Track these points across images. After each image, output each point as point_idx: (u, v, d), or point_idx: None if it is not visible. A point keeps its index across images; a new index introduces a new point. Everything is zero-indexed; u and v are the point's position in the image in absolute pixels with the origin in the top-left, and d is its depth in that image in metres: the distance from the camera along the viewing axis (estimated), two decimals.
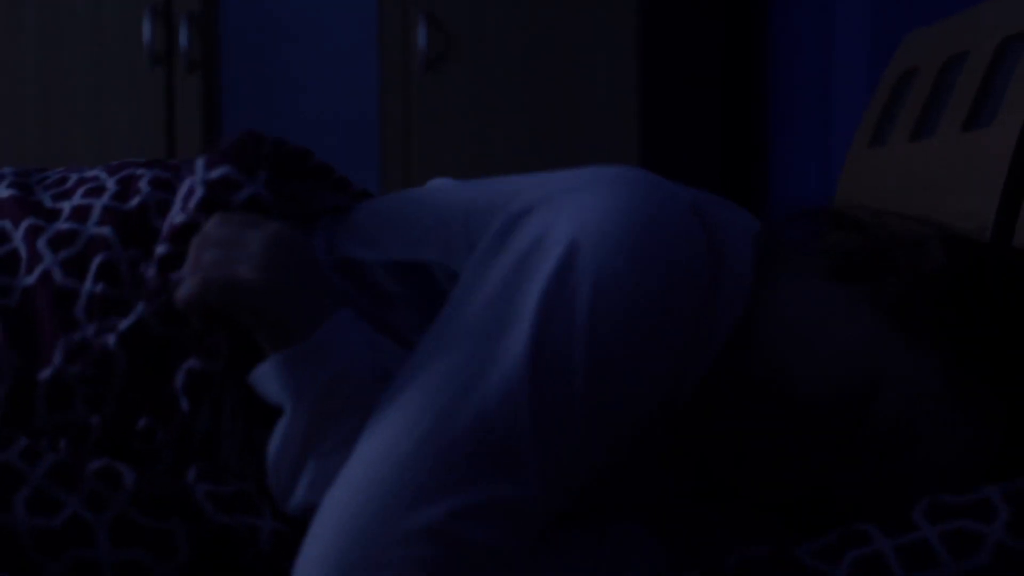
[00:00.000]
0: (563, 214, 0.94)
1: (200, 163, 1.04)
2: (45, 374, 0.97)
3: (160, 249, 1.00)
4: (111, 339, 0.98)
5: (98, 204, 1.03)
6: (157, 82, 3.40)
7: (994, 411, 0.96)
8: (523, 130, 3.33)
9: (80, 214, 1.03)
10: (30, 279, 1.00)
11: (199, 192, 1.02)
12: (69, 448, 0.96)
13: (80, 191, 1.05)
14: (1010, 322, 0.98)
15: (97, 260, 1.00)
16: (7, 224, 1.03)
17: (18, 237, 1.02)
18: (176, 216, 1.01)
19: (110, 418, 0.97)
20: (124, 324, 0.98)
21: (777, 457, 0.97)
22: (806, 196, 2.72)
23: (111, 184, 1.05)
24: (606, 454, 0.93)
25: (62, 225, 1.02)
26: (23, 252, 1.01)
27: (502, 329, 0.90)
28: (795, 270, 1.00)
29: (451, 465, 0.86)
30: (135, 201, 1.04)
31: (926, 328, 0.97)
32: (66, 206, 1.04)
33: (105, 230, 1.02)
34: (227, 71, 3.64)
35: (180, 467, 0.98)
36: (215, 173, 1.03)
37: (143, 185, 1.05)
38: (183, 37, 3.36)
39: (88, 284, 0.99)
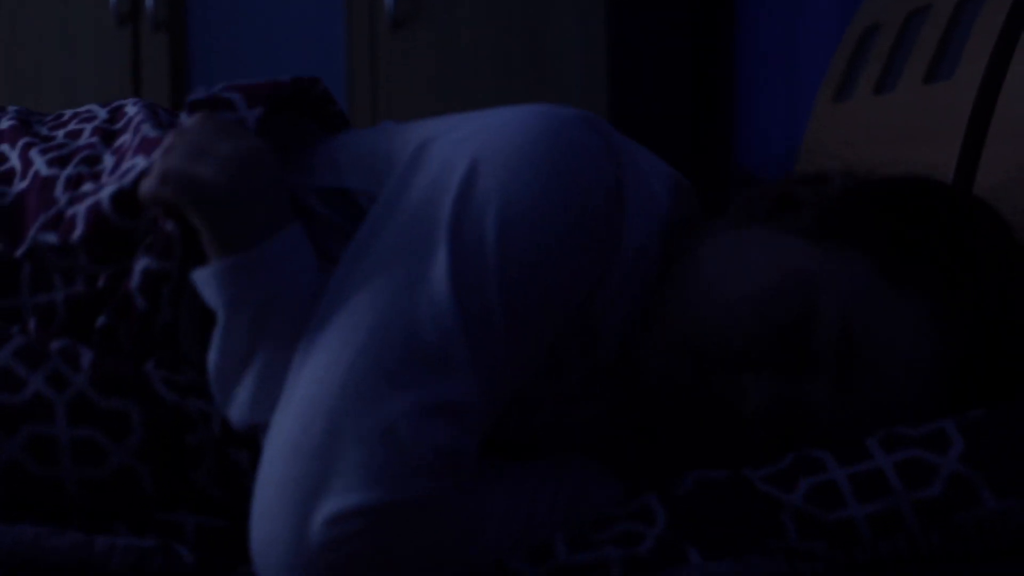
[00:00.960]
0: (471, 138, 0.97)
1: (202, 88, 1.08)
2: (22, 249, 1.02)
3: (125, 139, 1.05)
4: (79, 209, 1.01)
5: (88, 127, 1.10)
6: (123, 41, 3.38)
7: (931, 296, 0.98)
8: (490, 90, 3.33)
9: (72, 135, 1.10)
10: (23, 184, 1.05)
11: (186, 107, 1.06)
12: (38, 329, 0.99)
13: (74, 120, 1.12)
14: (924, 217, 1.01)
15: (81, 155, 1.06)
16: (6, 147, 1.09)
17: (15, 155, 1.08)
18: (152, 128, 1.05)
19: (75, 302, 1.00)
20: (89, 201, 1.01)
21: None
22: (772, 151, 2.74)
23: (102, 113, 1.12)
24: (532, 359, 0.95)
25: (55, 143, 1.09)
26: (18, 166, 1.07)
27: (422, 246, 0.92)
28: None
29: (391, 372, 0.88)
30: (122, 122, 1.09)
31: (846, 235, 1.00)
32: (60, 132, 1.11)
33: (93, 139, 1.08)
34: (193, 30, 3.63)
35: (139, 358, 1.00)
36: (211, 91, 1.06)
37: (131, 109, 1.10)
38: None
39: (69, 169, 1.05)
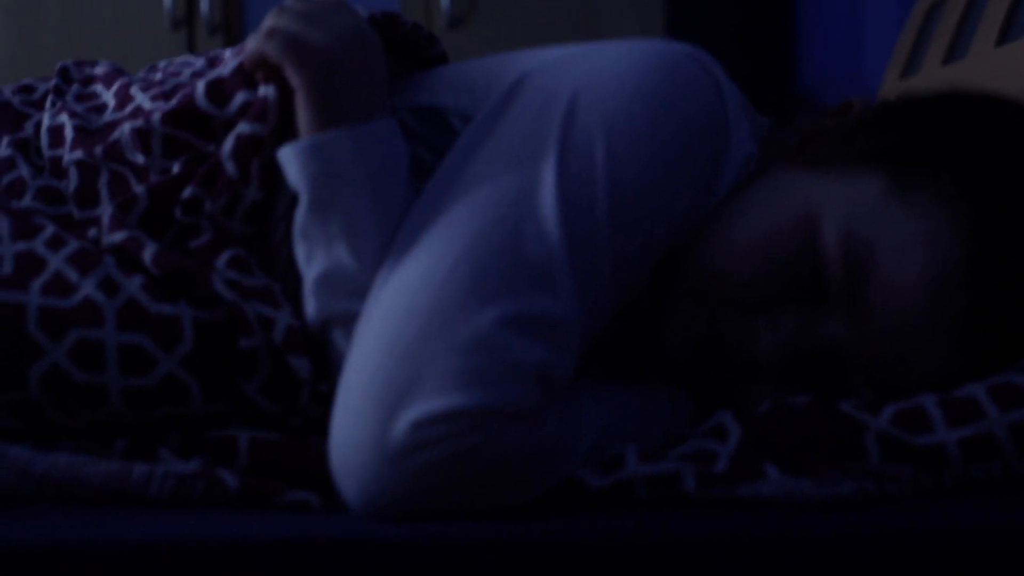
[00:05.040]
0: (580, 66, 0.96)
1: None
2: (101, 147, 1.02)
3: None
4: (157, 112, 1.01)
5: (188, 71, 1.09)
6: (178, 46, 3.37)
7: (944, 206, 0.91)
8: None
9: (173, 75, 1.09)
10: (119, 113, 1.05)
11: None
12: (113, 218, 0.97)
13: (172, 66, 1.12)
14: (936, 126, 0.95)
15: (184, 91, 1.04)
16: (99, 87, 1.11)
17: (109, 94, 1.08)
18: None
19: (157, 188, 0.98)
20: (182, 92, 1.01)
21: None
22: None
23: (200, 61, 1.11)
24: (631, 286, 0.93)
25: (156, 81, 1.09)
26: (112, 101, 1.07)
27: (527, 163, 0.90)
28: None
29: (489, 281, 0.85)
30: (221, 64, 1.07)
31: (855, 159, 0.95)
32: (158, 75, 1.11)
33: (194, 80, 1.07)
34: (249, 33, 3.61)
35: (214, 249, 0.97)
36: None
37: (228, 53, 1.08)
38: (204, 3, 3.34)
39: (173, 102, 1.03)
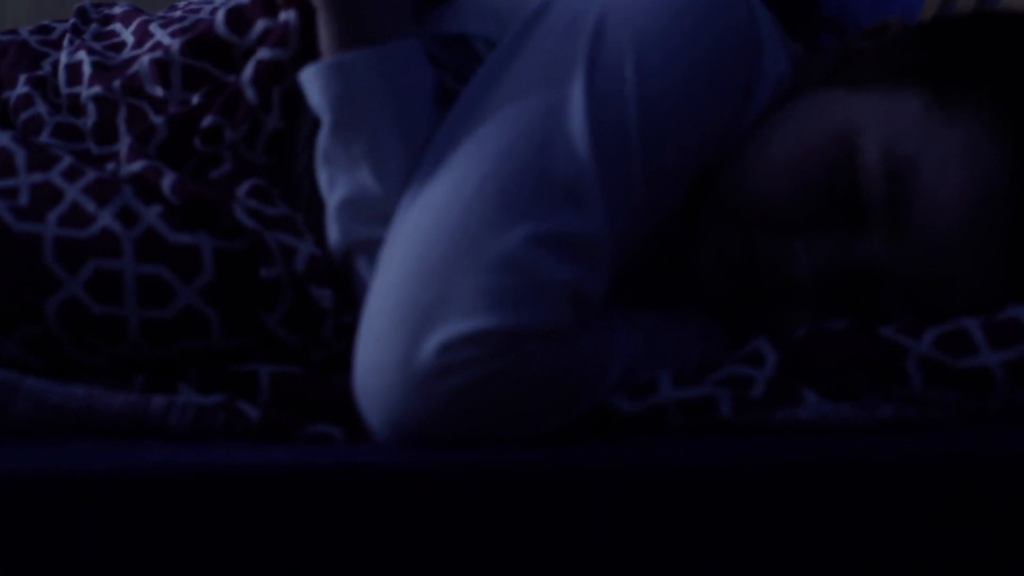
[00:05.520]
0: None
1: None
2: (119, 80, 1.00)
3: None
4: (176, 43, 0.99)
5: (208, 7, 1.07)
6: None
7: (987, 119, 0.89)
8: None
9: (192, 11, 1.08)
10: (138, 50, 1.03)
11: None
12: (131, 148, 0.95)
13: (193, 3, 1.10)
14: (980, 43, 0.93)
15: (204, 25, 1.02)
16: (118, 26, 1.09)
17: (128, 32, 1.07)
18: None
19: (177, 118, 0.96)
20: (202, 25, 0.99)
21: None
22: None
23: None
24: (663, 207, 0.90)
25: (176, 18, 1.07)
26: (131, 39, 1.05)
27: (555, 82, 0.87)
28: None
29: (518, 199, 0.82)
30: None
31: (894, 77, 0.92)
32: (178, 12, 1.09)
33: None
34: None
35: (234, 177, 0.95)
36: None
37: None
38: None
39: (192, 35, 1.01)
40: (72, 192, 0.92)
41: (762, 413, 0.83)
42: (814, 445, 0.81)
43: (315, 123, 0.94)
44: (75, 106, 1.01)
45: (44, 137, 0.98)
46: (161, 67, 0.99)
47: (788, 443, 0.81)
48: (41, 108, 1.00)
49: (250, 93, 0.95)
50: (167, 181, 0.93)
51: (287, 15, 0.96)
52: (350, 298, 0.92)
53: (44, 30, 1.10)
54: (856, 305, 0.91)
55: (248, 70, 0.96)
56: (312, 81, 0.92)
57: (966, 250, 0.88)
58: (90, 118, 0.99)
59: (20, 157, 0.94)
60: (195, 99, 0.98)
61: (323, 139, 0.91)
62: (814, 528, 0.77)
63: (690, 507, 0.77)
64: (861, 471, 0.78)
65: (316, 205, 0.94)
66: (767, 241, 0.92)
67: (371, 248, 0.90)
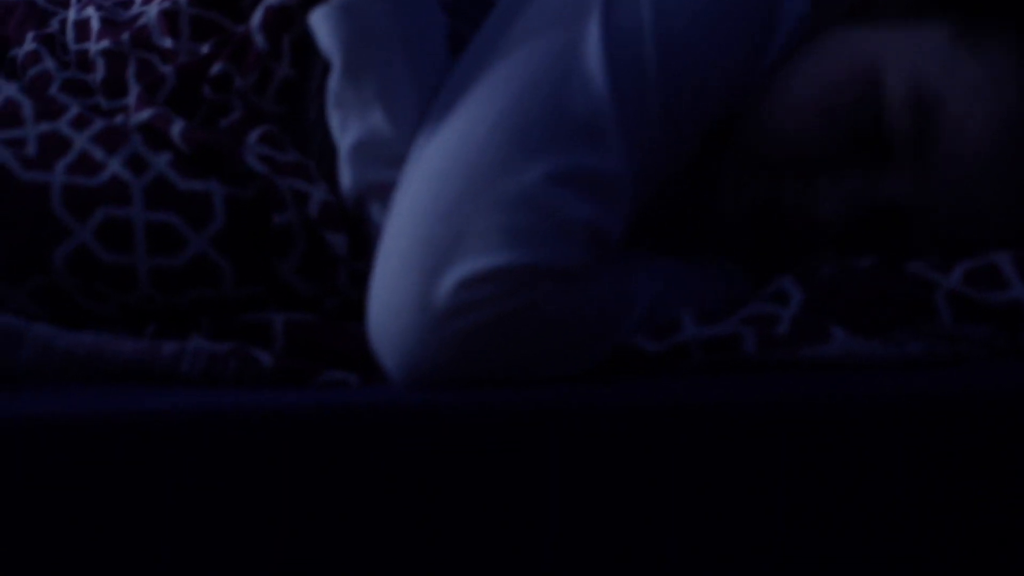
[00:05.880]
0: None
1: None
2: (128, 33, 0.98)
3: None
4: None
5: None
6: None
7: (1013, 52, 0.88)
8: None
9: None
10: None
11: None
12: (140, 97, 0.93)
13: None
14: None
15: None
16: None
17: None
18: None
19: (186, 68, 0.95)
20: None
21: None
22: None
23: None
24: (683, 146, 0.88)
25: None
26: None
27: (570, 20, 0.85)
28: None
29: (534, 136, 0.80)
30: None
31: (919, 11, 0.91)
32: None
33: None
34: None
35: (245, 124, 0.93)
36: None
37: None
38: None
39: None
40: (80, 141, 0.91)
41: (787, 350, 0.81)
42: (842, 382, 0.78)
43: (326, 70, 0.92)
44: (84, 62, 1.00)
45: (52, 92, 0.97)
46: (169, 17, 0.97)
47: (815, 380, 0.79)
48: (49, 64, 0.99)
49: (259, 40, 0.94)
50: (176, 128, 0.91)
51: None
52: (364, 245, 0.90)
53: None
54: (883, 245, 0.89)
55: (257, 16, 0.94)
56: (322, 22, 0.90)
57: (995, 182, 0.86)
58: (99, 73, 0.98)
59: (27, 107, 0.93)
60: (204, 49, 0.96)
61: (334, 81, 0.89)
62: (842, 465, 0.75)
63: (715, 445, 0.75)
64: (891, 408, 0.76)
65: (329, 153, 0.92)
66: (791, 183, 0.90)
67: (384, 192, 0.88)
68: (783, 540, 0.75)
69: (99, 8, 1.01)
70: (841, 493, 0.75)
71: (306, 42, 0.94)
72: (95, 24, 1.00)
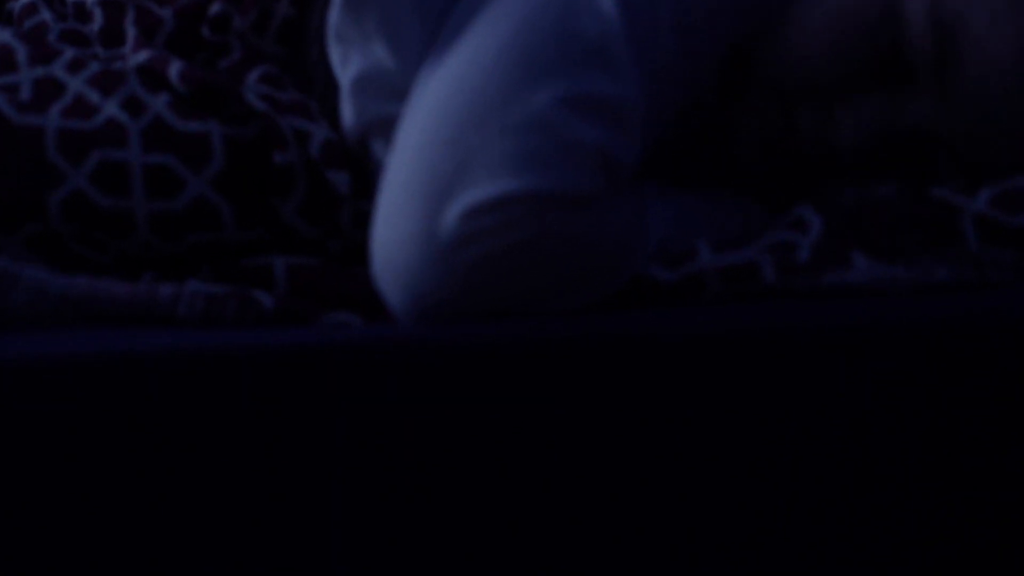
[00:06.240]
0: None
1: None
2: None
3: None
4: None
5: None
6: None
7: None
8: None
9: None
10: None
11: None
12: (137, 39, 0.91)
13: None
14: None
15: None
16: None
17: None
18: None
19: (184, 10, 0.93)
20: None
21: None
22: None
23: None
24: (694, 76, 0.85)
25: None
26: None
27: None
28: None
29: (542, 60, 0.77)
30: None
31: None
32: None
33: None
34: None
35: (245, 63, 0.91)
36: None
37: None
38: None
39: None
40: (75, 84, 0.88)
41: (808, 278, 0.78)
42: (866, 308, 0.76)
43: (326, 9, 0.89)
44: (81, 12, 0.97)
45: (49, 41, 0.95)
46: None
47: (837, 307, 0.76)
48: (46, 15, 0.97)
49: None
50: (174, 69, 0.89)
51: None
52: (367, 184, 0.88)
53: None
54: (905, 171, 0.86)
55: None
56: None
57: (1019, 102, 0.83)
58: (96, 23, 0.95)
59: (21, 52, 0.90)
60: None
61: (334, 15, 0.87)
62: (870, 393, 0.72)
63: (733, 376, 0.72)
64: (918, 334, 0.73)
65: (331, 94, 0.90)
66: (808, 113, 0.88)
67: (387, 128, 0.85)
68: (806, 472, 0.72)
69: None
70: (868, 421, 0.72)
71: None
72: None
